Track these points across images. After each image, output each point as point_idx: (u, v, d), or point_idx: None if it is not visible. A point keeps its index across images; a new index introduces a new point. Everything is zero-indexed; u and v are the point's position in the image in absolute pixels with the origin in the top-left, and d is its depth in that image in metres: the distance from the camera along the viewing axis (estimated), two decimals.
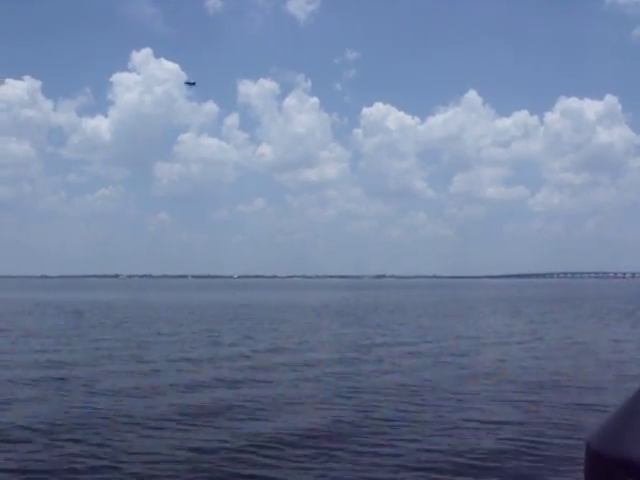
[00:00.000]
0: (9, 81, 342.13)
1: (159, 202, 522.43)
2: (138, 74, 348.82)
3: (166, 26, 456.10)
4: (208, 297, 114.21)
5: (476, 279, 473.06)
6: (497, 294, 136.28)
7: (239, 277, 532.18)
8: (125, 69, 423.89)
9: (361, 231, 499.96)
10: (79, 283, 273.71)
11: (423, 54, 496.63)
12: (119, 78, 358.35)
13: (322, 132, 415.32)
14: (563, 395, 20.11)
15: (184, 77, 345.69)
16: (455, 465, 12.93)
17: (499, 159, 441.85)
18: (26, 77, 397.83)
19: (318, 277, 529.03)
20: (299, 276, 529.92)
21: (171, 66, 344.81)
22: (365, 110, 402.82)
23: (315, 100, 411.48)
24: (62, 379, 22.74)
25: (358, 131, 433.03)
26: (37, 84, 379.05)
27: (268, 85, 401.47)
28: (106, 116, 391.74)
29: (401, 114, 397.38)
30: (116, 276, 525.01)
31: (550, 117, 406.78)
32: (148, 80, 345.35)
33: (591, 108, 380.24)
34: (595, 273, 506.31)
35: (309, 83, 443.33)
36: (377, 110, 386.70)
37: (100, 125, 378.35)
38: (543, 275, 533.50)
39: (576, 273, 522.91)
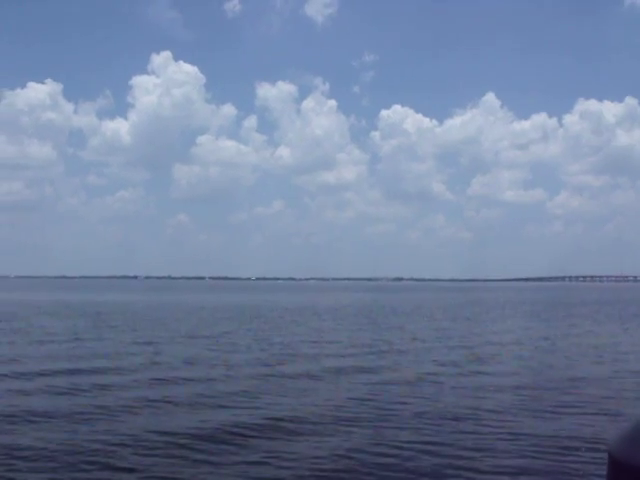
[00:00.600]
0: (31, 84, 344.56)
1: (178, 204, 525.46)
2: (157, 77, 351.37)
3: (185, 29, 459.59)
4: (225, 299, 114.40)
5: (494, 282, 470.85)
6: (515, 297, 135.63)
7: (257, 279, 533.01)
8: (144, 72, 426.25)
9: (379, 234, 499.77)
10: (98, 284, 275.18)
11: (441, 56, 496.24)
12: (138, 81, 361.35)
13: (340, 135, 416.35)
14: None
15: (203, 80, 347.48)
16: None
17: (517, 162, 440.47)
18: (48, 80, 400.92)
19: (335, 280, 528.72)
20: (317, 278, 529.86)
21: (190, 69, 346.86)
22: (383, 112, 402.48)
23: (333, 103, 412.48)
24: (72, 372, 22.84)
25: (376, 134, 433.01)
26: (58, 87, 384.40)
27: (286, 88, 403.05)
28: (126, 119, 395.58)
29: (419, 116, 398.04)
30: (135, 277, 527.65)
31: (569, 119, 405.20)
32: (167, 83, 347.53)
33: (611, 110, 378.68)
34: (615, 277, 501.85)
35: (327, 86, 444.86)
36: (395, 112, 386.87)
37: (120, 127, 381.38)
38: (562, 278, 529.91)
39: (595, 276, 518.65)
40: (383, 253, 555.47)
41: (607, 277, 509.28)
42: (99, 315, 59.94)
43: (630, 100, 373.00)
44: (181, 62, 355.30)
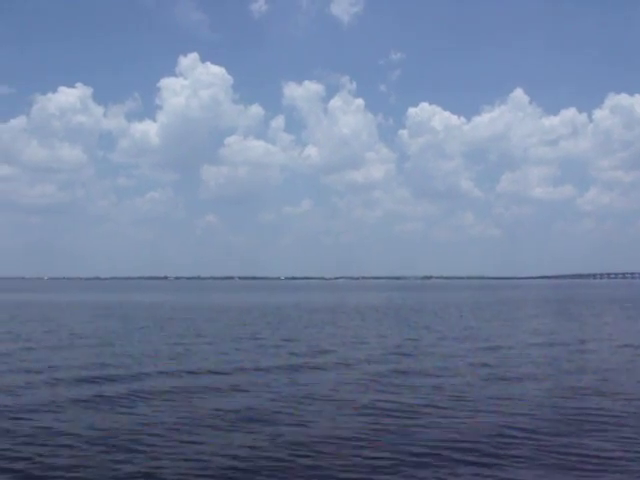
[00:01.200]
0: (62, 88, 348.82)
1: (206, 205, 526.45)
2: (185, 79, 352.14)
3: (212, 31, 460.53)
4: (253, 299, 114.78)
5: (524, 280, 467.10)
6: (545, 295, 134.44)
7: (286, 279, 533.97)
8: (172, 74, 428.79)
9: (408, 232, 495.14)
10: (129, 285, 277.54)
11: (468, 53, 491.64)
12: (166, 83, 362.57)
13: (368, 133, 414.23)
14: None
15: (230, 81, 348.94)
16: None
17: (546, 158, 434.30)
18: (78, 84, 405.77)
19: (365, 278, 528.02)
20: (346, 277, 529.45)
21: (217, 70, 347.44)
22: (410, 110, 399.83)
23: (360, 101, 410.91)
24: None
25: (404, 132, 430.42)
26: (88, 91, 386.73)
27: (313, 87, 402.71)
28: (154, 120, 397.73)
29: (447, 114, 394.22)
30: (165, 278, 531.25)
31: (599, 114, 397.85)
32: (195, 84, 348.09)
33: None
34: None
35: (354, 84, 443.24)
36: (422, 110, 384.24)
37: (148, 129, 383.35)
38: (593, 275, 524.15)
39: (627, 273, 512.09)
40: (412, 251, 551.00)
41: (639, 274, 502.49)
42: (128, 316, 60.40)
43: None
44: (208, 63, 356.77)
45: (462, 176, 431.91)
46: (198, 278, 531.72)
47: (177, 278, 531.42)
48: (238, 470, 13.30)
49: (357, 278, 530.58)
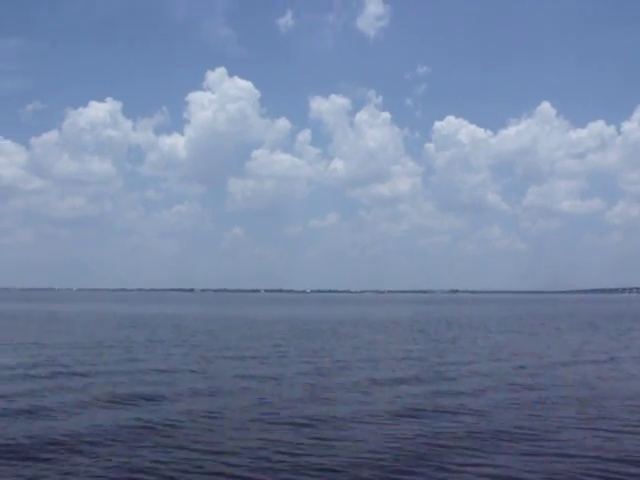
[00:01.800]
0: (92, 103, 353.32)
1: (233, 218, 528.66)
2: (213, 93, 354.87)
3: (240, 45, 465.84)
4: (279, 312, 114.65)
5: (552, 294, 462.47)
6: (573, 309, 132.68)
7: (312, 292, 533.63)
8: (200, 88, 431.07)
9: (434, 246, 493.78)
10: (155, 297, 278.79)
11: (494, 67, 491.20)
12: (194, 97, 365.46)
13: (394, 147, 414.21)
14: None
15: (257, 95, 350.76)
16: None
17: (574, 171, 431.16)
18: (108, 99, 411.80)
19: (391, 292, 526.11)
20: (372, 291, 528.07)
21: (244, 84, 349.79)
22: (437, 124, 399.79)
23: (386, 115, 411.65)
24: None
25: (430, 145, 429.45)
26: (118, 105, 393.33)
27: (339, 101, 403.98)
28: (182, 134, 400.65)
29: (473, 127, 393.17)
30: (191, 290, 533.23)
31: (628, 126, 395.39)
32: (222, 98, 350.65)
33: None
34: None
35: (380, 98, 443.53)
36: (449, 124, 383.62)
37: (176, 143, 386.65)
38: (622, 290, 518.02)
39: None
40: (438, 265, 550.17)
41: None
42: (152, 327, 60.50)
43: None
44: (236, 78, 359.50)
45: (488, 189, 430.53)
46: (224, 291, 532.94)
47: (203, 290, 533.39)
48: None
49: (383, 292, 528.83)
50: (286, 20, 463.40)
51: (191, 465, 14.29)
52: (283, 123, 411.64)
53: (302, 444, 16.09)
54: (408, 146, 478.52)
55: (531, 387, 25.04)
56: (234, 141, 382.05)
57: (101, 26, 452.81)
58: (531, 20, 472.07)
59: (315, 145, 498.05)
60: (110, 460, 14.57)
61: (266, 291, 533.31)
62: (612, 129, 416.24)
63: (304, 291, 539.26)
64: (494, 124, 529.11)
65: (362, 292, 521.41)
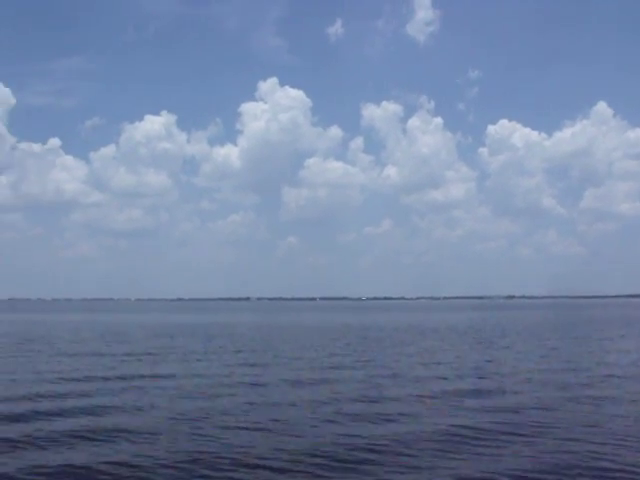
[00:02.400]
0: (148, 117, 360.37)
1: (287, 226, 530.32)
2: (265, 103, 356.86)
3: (290, 55, 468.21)
4: (334, 319, 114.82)
5: (610, 298, 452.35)
6: (634, 314, 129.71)
7: (367, 299, 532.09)
8: (252, 99, 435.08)
9: (489, 251, 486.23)
10: (212, 306, 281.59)
11: (547, 68, 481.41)
12: (247, 108, 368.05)
13: (447, 152, 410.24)
14: None
15: (309, 104, 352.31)
16: None
17: (633, 172, 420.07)
18: (163, 112, 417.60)
19: (446, 298, 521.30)
20: (427, 297, 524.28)
21: (295, 93, 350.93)
22: (490, 128, 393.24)
23: (439, 120, 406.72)
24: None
25: (483, 150, 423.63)
26: (172, 118, 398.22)
27: (391, 107, 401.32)
28: (235, 145, 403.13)
29: (527, 130, 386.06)
30: (247, 299, 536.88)
31: None
32: (274, 108, 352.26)
33: None
34: None
35: (432, 104, 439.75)
36: (502, 127, 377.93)
37: (230, 153, 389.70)
38: None
39: None
40: (493, 271, 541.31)
41: None
42: (209, 336, 61.26)
43: None
44: (287, 87, 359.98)
45: (544, 193, 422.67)
46: (280, 299, 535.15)
47: (259, 299, 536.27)
48: None
49: (438, 298, 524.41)
50: (336, 28, 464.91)
51: None
52: (335, 131, 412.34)
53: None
54: (461, 151, 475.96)
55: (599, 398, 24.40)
56: (287, 150, 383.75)
57: (154, 41, 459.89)
58: (585, 19, 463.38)
59: (368, 152, 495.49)
60: None
61: (321, 299, 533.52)
62: None
63: (359, 298, 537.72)
64: (548, 126, 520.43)
65: (417, 299, 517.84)
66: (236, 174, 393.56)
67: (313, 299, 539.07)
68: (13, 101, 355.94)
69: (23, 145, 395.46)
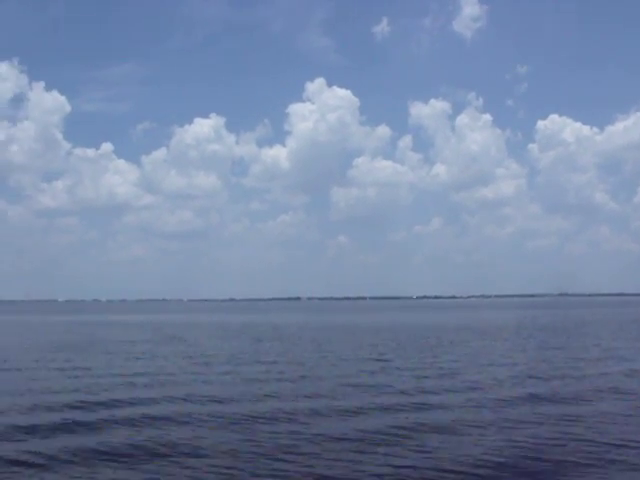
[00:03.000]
0: (197, 120, 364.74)
1: (337, 226, 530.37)
2: (312, 103, 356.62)
3: (337, 55, 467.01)
4: (384, 318, 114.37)
5: None
6: None
7: (417, 298, 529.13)
8: (300, 99, 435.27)
9: (541, 248, 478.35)
10: (262, 306, 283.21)
11: (598, 60, 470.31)
12: (295, 108, 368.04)
13: (496, 149, 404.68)
14: None
15: (357, 103, 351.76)
16: None
17: None
18: (212, 115, 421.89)
19: (498, 297, 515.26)
20: (478, 296, 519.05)
21: (343, 93, 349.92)
22: (540, 124, 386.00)
23: (487, 117, 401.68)
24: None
25: (533, 146, 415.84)
26: (221, 120, 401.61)
27: (439, 105, 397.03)
28: (284, 145, 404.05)
29: (578, 125, 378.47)
30: (297, 299, 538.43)
31: None
32: (322, 108, 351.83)
33: None
34: None
35: (480, 100, 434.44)
36: (552, 123, 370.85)
37: (278, 154, 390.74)
38: None
39: None
40: (545, 268, 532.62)
41: None
42: (258, 336, 61.55)
43: None
44: (335, 87, 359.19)
45: (596, 189, 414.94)
46: (330, 299, 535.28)
47: (310, 299, 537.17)
48: None
49: (489, 296, 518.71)
50: (382, 27, 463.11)
51: None
52: (383, 130, 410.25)
53: None
54: (511, 148, 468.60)
55: None
56: (335, 150, 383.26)
57: (202, 46, 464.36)
58: (636, 10, 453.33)
59: (416, 151, 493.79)
60: None
61: (372, 298, 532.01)
62: None
63: (410, 297, 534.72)
64: (600, 120, 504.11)
65: (468, 297, 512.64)
66: (285, 175, 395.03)
67: (363, 298, 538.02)
68: (68, 108, 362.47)
69: (77, 151, 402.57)
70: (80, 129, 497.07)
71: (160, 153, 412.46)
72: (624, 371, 31.61)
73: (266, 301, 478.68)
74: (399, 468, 14.96)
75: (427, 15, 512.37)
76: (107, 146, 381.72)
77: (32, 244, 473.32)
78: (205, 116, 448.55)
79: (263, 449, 16.76)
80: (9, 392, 26.22)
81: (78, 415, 21.24)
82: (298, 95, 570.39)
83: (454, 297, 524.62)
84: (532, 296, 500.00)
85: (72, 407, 22.78)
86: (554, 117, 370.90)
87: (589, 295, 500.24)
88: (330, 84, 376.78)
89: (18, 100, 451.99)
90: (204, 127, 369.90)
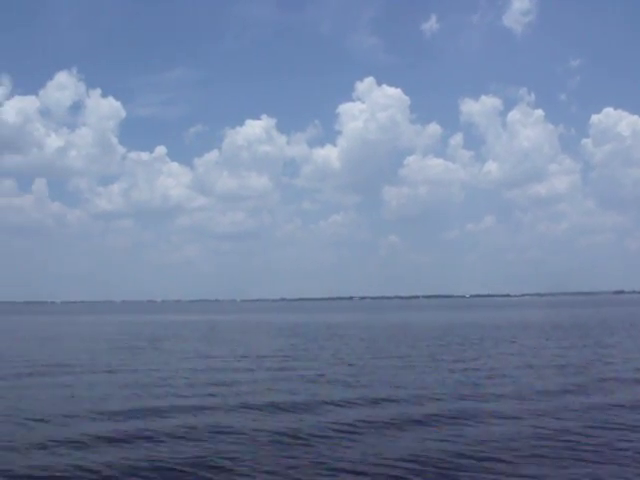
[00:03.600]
0: (248, 121, 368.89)
1: (389, 225, 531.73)
2: (362, 103, 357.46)
3: (386, 53, 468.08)
4: (435, 317, 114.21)
5: None
6: None
7: (471, 296, 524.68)
8: (350, 99, 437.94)
9: (596, 245, 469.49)
10: (315, 305, 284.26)
11: None
12: (345, 108, 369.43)
13: (549, 145, 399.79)
14: None
15: (407, 101, 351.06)
16: None
17: None
18: (263, 116, 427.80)
19: (552, 295, 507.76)
20: (532, 294, 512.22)
21: (393, 92, 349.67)
22: (594, 118, 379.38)
23: (540, 112, 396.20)
24: None
25: (587, 141, 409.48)
26: (272, 122, 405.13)
27: (490, 102, 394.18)
28: (335, 145, 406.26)
29: (634, 118, 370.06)
30: (350, 298, 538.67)
31: None
32: (372, 107, 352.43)
33: None
34: None
35: (532, 96, 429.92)
36: (607, 116, 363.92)
37: (329, 154, 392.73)
38: None
39: None
40: (601, 265, 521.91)
41: None
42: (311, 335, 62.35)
43: None
44: (384, 86, 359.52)
45: None
46: (383, 298, 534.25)
47: (362, 298, 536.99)
48: None
49: (543, 294, 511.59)
50: (431, 24, 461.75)
51: None
52: (434, 128, 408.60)
53: None
54: (564, 143, 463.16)
55: None
56: (386, 149, 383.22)
57: (252, 48, 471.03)
58: None
59: (468, 148, 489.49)
60: None
61: (424, 297, 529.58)
62: None
63: (463, 296, 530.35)
64: None
65: (522, 295, 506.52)
66: (336, 174, 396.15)
67: (416, 297, 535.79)
68: (123, 114, 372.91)
69: (132, 154, 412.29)
70: (134, 133, 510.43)
71: (212, 155, 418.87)
72: None
73: (318, 301, 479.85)
74: None
75: (476, 11, 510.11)
76: (161, 149, 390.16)
77: (89, 246, 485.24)
78: (256, 117, 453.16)
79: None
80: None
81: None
82: (348, 95, 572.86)
83: (507, 295, 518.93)
84: (588, 294, 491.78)
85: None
86: (609, 110, 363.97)
87: None
88: (380, 83, 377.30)
89: (76, 107, 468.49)
90: (255, 128, 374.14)
